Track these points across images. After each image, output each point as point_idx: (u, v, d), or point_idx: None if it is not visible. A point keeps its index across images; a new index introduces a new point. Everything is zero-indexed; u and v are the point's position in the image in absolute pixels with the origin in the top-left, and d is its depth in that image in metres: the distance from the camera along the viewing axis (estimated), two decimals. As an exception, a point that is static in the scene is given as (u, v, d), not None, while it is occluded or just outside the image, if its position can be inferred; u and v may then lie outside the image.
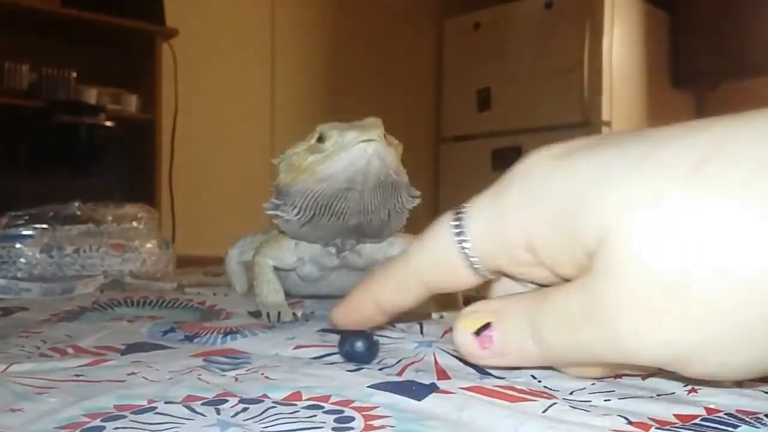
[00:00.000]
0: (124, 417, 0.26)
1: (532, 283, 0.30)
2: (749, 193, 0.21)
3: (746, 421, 0.25)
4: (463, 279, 0.29)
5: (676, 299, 0.22)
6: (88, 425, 0.25)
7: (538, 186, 0.26)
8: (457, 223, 0.28)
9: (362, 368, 0.34)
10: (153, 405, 0.28)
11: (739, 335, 0.22)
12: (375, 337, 0.36)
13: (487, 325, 0.28)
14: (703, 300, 0.21)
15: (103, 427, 0.25)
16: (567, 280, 0.26)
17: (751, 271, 0.21)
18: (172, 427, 0.25)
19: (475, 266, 0.28)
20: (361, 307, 0.33)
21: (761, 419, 0.25)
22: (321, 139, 0.46)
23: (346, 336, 0.36)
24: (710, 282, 0.21)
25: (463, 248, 0.28)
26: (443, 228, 0.29)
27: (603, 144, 0.25)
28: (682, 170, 0.22)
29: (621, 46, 2.58)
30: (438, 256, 0.29)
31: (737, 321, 0.21)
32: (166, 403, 0.28)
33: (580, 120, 2.54)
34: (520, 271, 0.29)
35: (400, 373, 0.33)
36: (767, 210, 0.21)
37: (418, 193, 0.51)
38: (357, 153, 0.44)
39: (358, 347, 0.35)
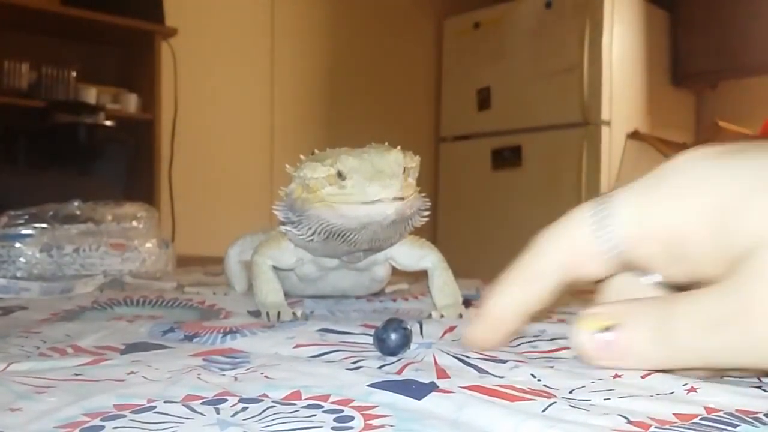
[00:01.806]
0: (124, 416, 0.26)
1: (660, 282, 0.29)
2: None
3: (746, 421, 0.25)
4: (590, 268, 0.29)
5: None
6: (88, 425, 0.25)
7: (697, 179, 0.26)
8: (600, 210, 0.28)
9: (362, 367, 0.34)
10: (152, 404, 0.28)
11: None
12: (408, 328, 0.37)
13: (608, 328, 0.28)
14: None
15: (103, 427, 0.25)
16: (697, 284, 0.26)
17: None
18: (171, 427, 0.25)
19: (609, 254, 0.28)
20: (506, 320, 0.32)
21: (761, 419, 0.25)
22: (341, 175, 0.46)
23: (384, 328, 0.37)
24: None
25: (602, 235, 0.28)
26: (583, 215, 0.29)
27: None
28: None
29: (621, 45, 2.58)
30: (574, 242, 0.29)
31: None
32: (165, 402, 0.28)
33: (580, 119, 2.54)
34: (657, 267, 0.28)
35: (399, 372, 0.33)
36: None
37: (428, 204, 0.51)
38: (377, 211, 0.45)
39: (393, 339, 0.36)
